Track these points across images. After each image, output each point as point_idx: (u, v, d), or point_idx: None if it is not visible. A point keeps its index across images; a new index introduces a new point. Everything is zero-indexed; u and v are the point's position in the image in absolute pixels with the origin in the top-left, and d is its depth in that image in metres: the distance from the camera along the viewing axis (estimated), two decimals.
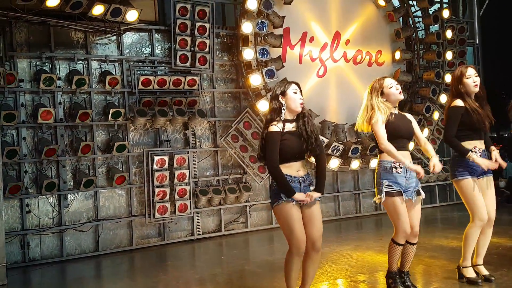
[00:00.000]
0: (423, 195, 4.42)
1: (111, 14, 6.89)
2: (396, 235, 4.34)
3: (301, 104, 3.94)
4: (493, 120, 4.71)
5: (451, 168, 4.74)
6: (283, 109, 3.92)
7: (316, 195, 3.92)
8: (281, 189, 3.84)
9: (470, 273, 4.72)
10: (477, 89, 4.63)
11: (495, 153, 4.68)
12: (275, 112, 3.95)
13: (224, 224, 8.30)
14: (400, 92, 4.42)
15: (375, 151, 8.94)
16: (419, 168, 4.21)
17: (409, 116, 4.59)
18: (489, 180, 4.70)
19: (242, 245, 7.85)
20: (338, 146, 8.68)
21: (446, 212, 9.72)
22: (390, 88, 4.38)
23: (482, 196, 4.61)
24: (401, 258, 4.45)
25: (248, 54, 8.10)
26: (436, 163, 4.30)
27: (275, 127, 3.87)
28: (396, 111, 4.44)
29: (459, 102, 4.59)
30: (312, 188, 4.00)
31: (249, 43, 8.19)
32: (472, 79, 4.61)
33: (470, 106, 4.55)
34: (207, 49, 7.84)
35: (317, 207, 3.99)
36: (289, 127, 3.93)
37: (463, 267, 4.75)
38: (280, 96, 3.95)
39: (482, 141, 4.67)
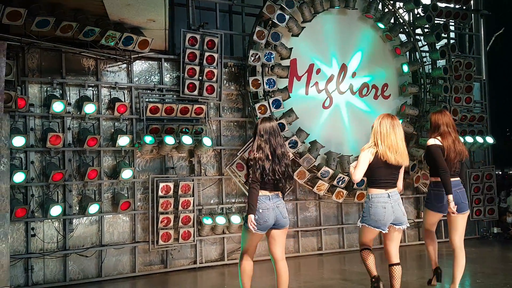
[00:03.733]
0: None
1: (122, 43, 7.02)
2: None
3: None
4: None
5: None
6: None
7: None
8: None
9: None
10: None
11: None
12: None
13: (227, 253, 8.26)
14: None
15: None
16: None
17: None
18: None
19: None
20: (344, 178, 8.68)
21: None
22: None
23: None
24: (390, 282, 4.90)
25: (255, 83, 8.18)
26: None
27: None
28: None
29: None
30: None
31: (256, 73, 8.32)
32: None
33: None
34: (214, 79, 7.95)
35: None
36: None
37: None
38: None
39: None
